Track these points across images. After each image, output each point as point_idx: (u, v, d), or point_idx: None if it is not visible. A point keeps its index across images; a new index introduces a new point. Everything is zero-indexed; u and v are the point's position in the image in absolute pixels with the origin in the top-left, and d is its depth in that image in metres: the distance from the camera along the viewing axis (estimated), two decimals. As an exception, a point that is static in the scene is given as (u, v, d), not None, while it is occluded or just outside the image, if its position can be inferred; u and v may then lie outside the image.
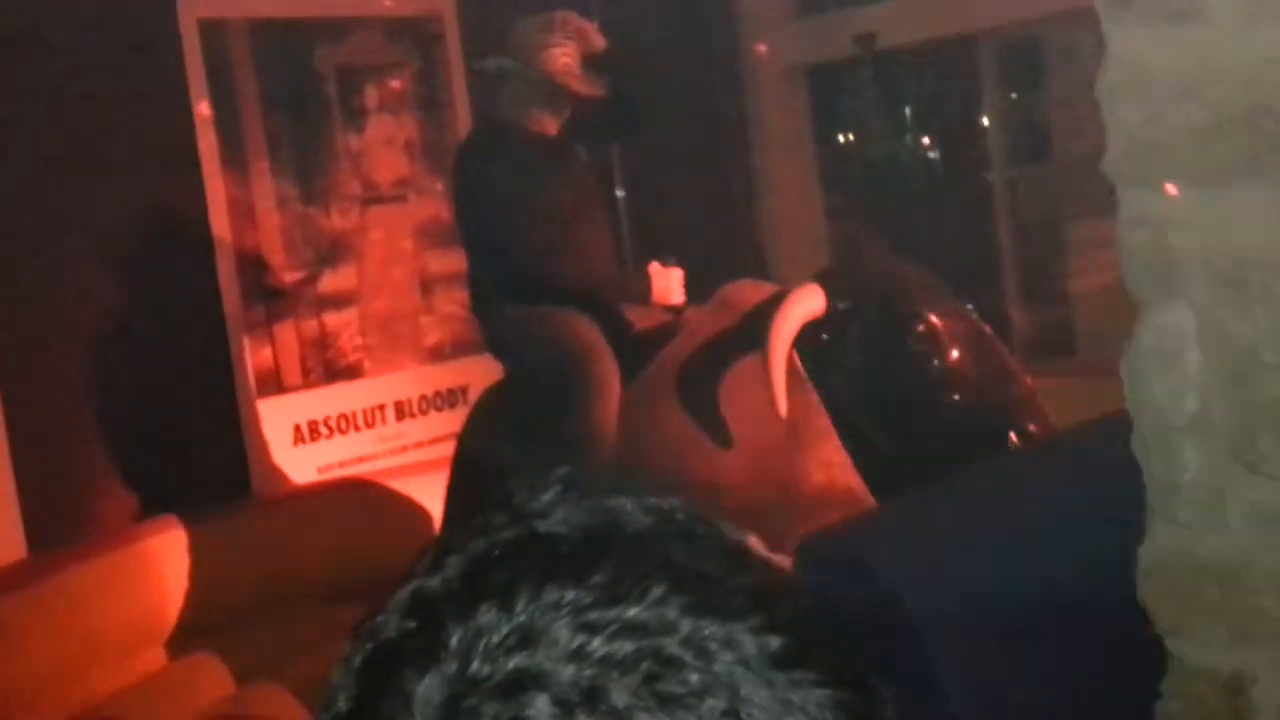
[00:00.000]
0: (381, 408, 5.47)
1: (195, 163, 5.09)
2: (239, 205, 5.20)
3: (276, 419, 5.23)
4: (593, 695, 0.60)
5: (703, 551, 0.68)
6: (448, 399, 5.60)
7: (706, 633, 0.62)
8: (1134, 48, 1.83)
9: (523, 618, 0.62)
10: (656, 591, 0.63)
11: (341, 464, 5.33)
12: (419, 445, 5.50)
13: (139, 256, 4.92)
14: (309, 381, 5.32)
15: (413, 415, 5.54)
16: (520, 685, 0.60)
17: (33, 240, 4.67)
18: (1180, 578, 1.73)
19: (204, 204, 5.10)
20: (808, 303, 3.85)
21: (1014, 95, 6.59)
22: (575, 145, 4.39)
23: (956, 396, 3.76)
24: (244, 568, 4.57)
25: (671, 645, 0.61)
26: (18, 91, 4.66)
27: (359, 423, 5.42)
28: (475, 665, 0.62)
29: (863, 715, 0.65)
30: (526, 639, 0.62)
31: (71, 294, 4.76)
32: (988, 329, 3.95)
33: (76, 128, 4.77)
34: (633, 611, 0.62)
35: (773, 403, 3.80)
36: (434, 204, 5.62)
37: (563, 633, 0.61)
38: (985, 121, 6.35)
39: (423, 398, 5.57)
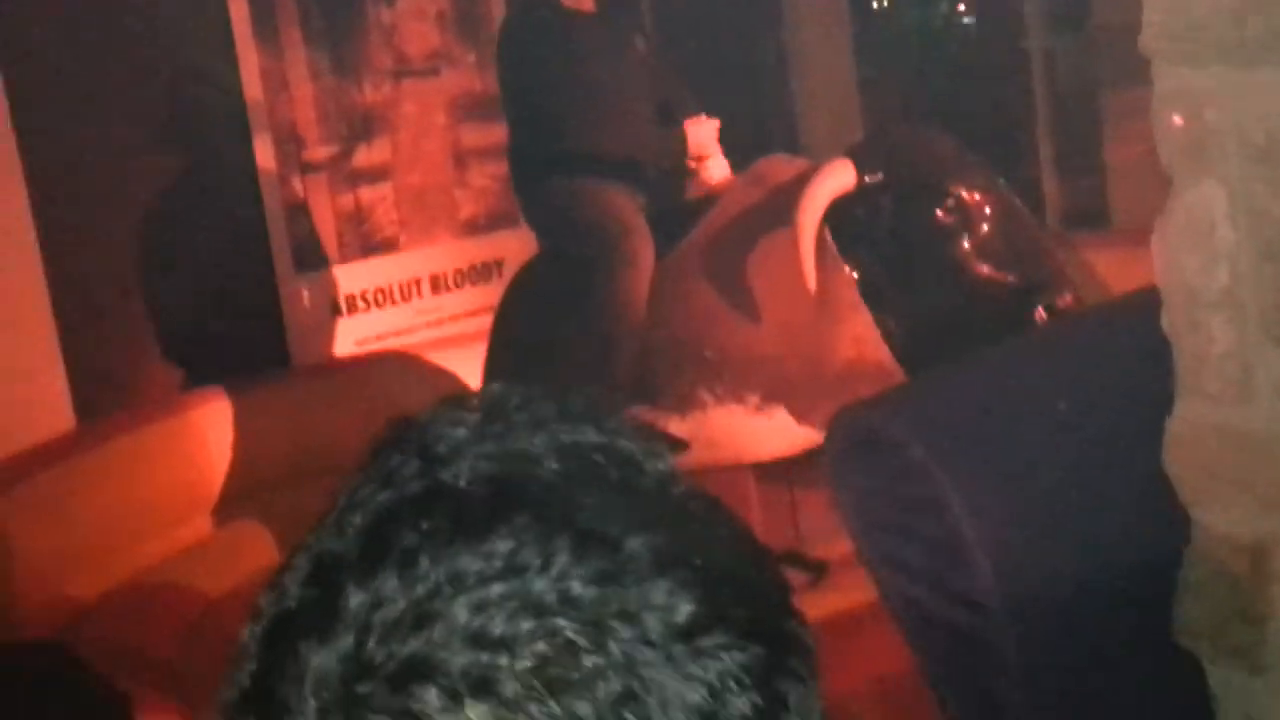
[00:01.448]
0: (417, 281, 5.51)
1: (228, 32, 5.10)
2: (272, 77, 5.21)
3: (314, 292, 5.29)
4: (482, 686, 0.59)
5: (614, 504, 0.66)
6: (483, 272, 5.63)
7: (608, 608, 0.61)
8: (1173, -79, 1.82)
9: (421, 591, 0.61)
10: (560, 561, 0.62)
11: (379, 337, 5.39)
12: (455, 318, 5.54)
13: (176, 129, 4.96)
14: (345, 256, 5.37)
15: (448, 289, 5.58)
16: (411, 674, 0.60)
17: (72, 112, 4.70)
18: (1207, 448, 1.77)
19: (237, 75, 5.12)
20: (837, 178, 3.84)
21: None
22: (614, 15, 4.38)
23: (986, 270, 3.77)
24: (285, 437, 4.66)
25: (569, 627, 0.61)
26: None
27: (395, 296, 5.47)
28: (371, 646, 0.61)
29: (773, 672, 0.64)
30: (423, 619, 0.61)
31: (112, 167, 4.79)
32: (1019, 202, 3.95)
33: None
34: (535, 586, 0.61)
35: (802, 277, 3.81)
36: (466, 76, 5.60)
37: (461, 613, 0.61)
38: (1023, -12, 6.27)
39: (458, 271, 5.60)
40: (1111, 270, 4.21)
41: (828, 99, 6.34)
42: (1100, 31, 5.80)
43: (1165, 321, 1.81)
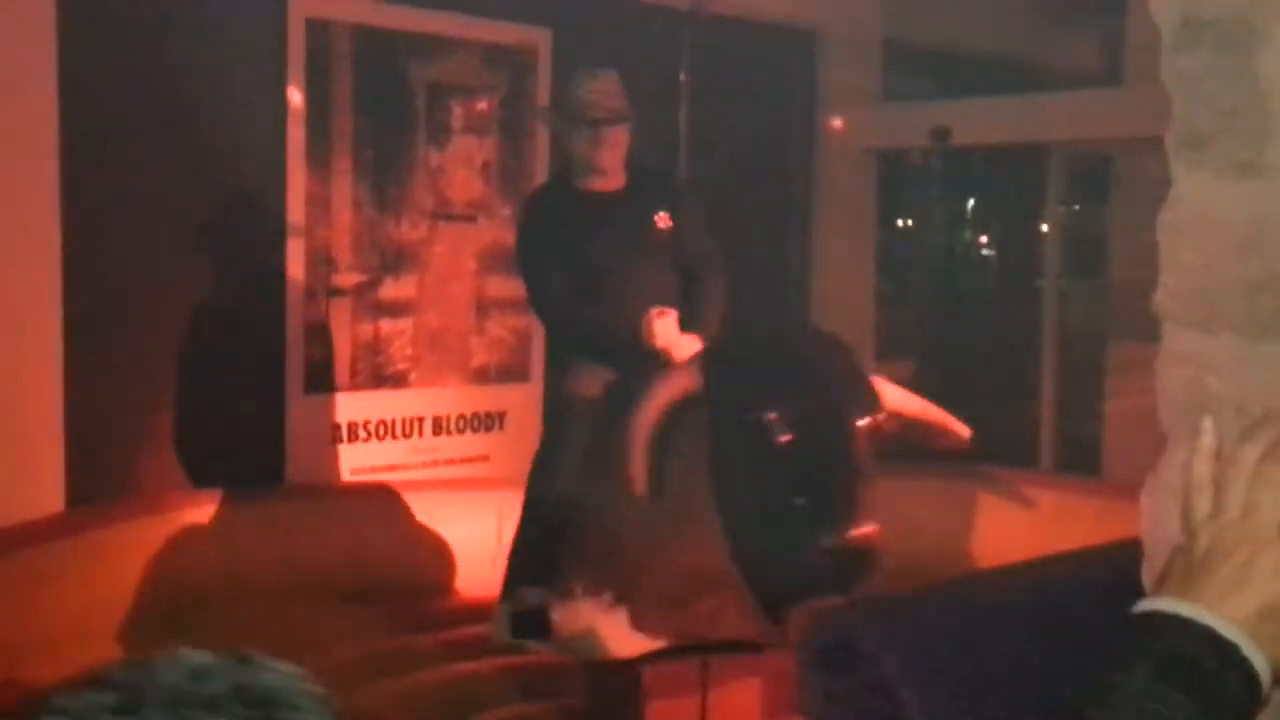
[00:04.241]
0: (420, 420, 5.59)
1: (282, 153, 5.25)
2: (316, 200, 5.35)
3: (319, 415, 5.35)
4: None
5: None
6: (485, 421, 5.71)
7: None
8: (1199, 193, 1.92)
9: None
10: None
11: (374, 469, 5.44)
12: (450, 462, 5.61)
13: (216, 236, 5.08)
14: (356, 384, 5.45)
15: (449, 432, 5.65)
16: None
17: (119, 201, 4.81)
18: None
19: (284, 193, 5.26)
20: (677, 384, 3.85)
21: (1076, 207, 6.69)
22: (637, 195, 4.47)
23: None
24: (269, 551, 4.69)
25: None
26: (129, 64, 4.82)
27: (397, 431, 5.53)
28: None
29: None
30: None
31: (147, 262, 4.90)
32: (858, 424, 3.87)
33: (176, 103, 4.93)
34: None
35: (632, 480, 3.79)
36: (501, 228, 5.75)
37: None
38: (1045, 228, 6.44)
39: (461, 416, 5.68)
40: (1099, 517, 4.28)
41: (844, 306, 6.47)
42: (1116, 283, 5.95)
43: (1144, 575, 1.88)
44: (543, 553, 4.10)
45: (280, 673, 0.72)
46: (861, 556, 3.45)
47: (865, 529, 3.48)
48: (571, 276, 4.28)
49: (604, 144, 4.26)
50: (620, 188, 4.43)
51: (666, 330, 4.33)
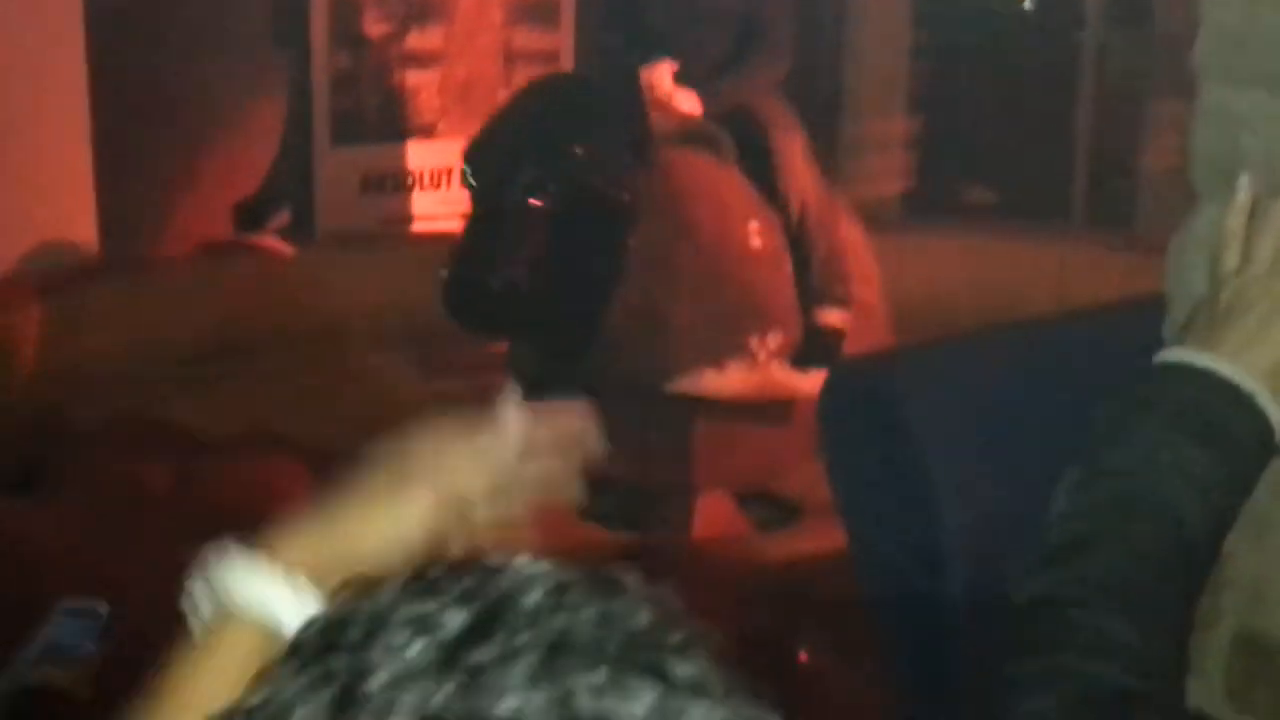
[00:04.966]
0: (449, 171, 5.57)
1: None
2: (339, -54, 5.25)
3: (348, 166, 5.34)
4: None
5: None
6: (512, 171, 5.68)
7: None
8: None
9: None
10: None
11: (403, 219, 5.45)
12: (477, 214, 5.60)
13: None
14: (384, 135, 5.42)
15: (477, 183, 5.63)
16: None
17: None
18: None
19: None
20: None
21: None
22: None
23: None
24: (299, 300, 4.75)
25: None
26: None
27: (425, 182, 5.52)
28: None
29: None
30: None
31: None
32: None
33: None
34: None
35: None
36: (528, -21, 5.65)
37: None
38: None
39: (490, 166, 5.65)
40: (1129, 272, 4.28)
41: (879, 60, 6.35)
42: (1159, 37, 5.82)
43: (1167, 329, 1.89)
44: None
45: (652, 606, 0.51)
46: None
47: None
48: None
49: None
50: None
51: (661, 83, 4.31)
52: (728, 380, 4.07)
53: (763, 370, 4.08)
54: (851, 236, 4.38)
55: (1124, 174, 6.10)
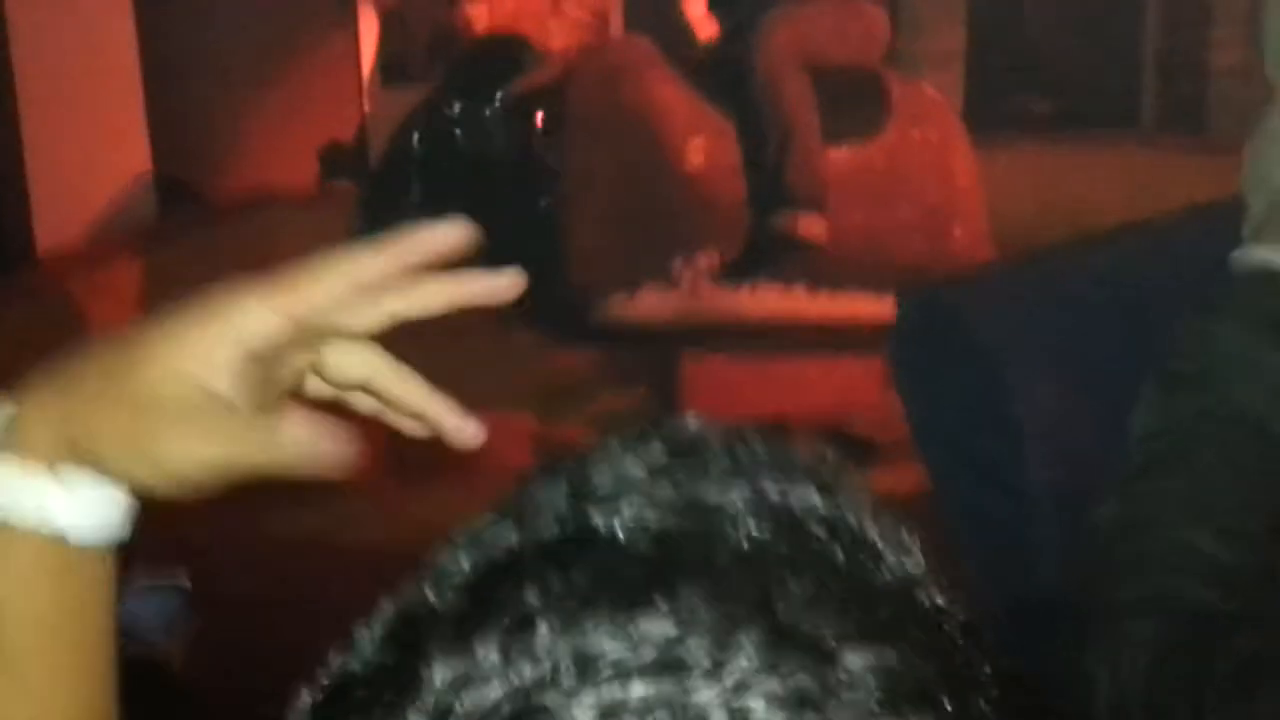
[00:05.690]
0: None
1: None
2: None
3: (398, 107, 5.29)
4: None
5: (833, 598, 0.45)
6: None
7: None
8: None
9: (530, 674, 0.42)
10: (740, 664, 0.42)
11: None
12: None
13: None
14: (435, 75, 5.37)
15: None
16: None
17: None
18: None
19: None
20: None
21: None
22: None
23: None
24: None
25: None
26: None
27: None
28: None
29: None
30: (524, 714, 0.42)
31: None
32: None
33: None
34: (697, 696, 0.41)
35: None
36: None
37: (581, 714, 0.41)
38: None
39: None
40: (1202, 176, 4.17)
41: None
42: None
43: (1247, 231, 1.82)
44: None
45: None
46: None
47: None
48: None
49: None
50: None
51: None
52: (641, 305, 4.14)
53: (687, 293, 4.15)
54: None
55: (1193, 75, 5.95)
